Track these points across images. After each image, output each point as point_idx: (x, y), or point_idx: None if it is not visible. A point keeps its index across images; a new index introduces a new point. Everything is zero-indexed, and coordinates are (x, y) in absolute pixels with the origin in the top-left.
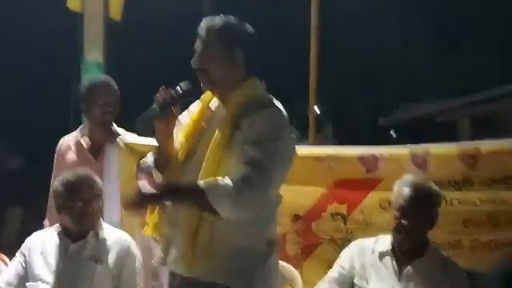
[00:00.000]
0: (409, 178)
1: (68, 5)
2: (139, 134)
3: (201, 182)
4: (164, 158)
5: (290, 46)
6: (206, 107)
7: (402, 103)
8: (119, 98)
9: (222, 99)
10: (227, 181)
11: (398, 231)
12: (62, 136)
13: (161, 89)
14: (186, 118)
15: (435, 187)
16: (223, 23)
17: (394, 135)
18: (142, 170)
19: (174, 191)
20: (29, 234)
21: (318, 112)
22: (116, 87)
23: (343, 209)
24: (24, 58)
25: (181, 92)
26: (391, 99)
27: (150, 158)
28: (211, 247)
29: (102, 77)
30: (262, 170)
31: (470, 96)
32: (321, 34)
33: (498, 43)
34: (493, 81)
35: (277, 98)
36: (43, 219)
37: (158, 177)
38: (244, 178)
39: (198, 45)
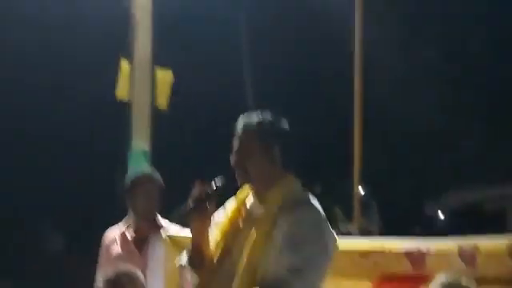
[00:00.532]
0: (443, 277)
1: (117, 95)
2: (183, 225)
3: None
4: (199, 256)
5: (333, 125)
6: (242, 205)
7: (450, 190)
8: (163, 190)
9: (259, 196)
10: None
11: None
12: (105, 225)
13: (196, 184)
14: (222, 216)
15: (469, 283)
16: (260, 121)
17: (441, 217)
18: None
19: None
20: None
21: (363, 193)
22: (159, 180)
23: None
24: (73, 146)
25: (215, 188)
26: (439, 184)
27: (184, 256)
28: None
29: (146, 170)
30: (300, 278)
31: None
32: (363, 113)
33: None
34: None
35: (320, 181)
36: None
37: (193, 277)
38: (276, 278)
39: (235, 142)
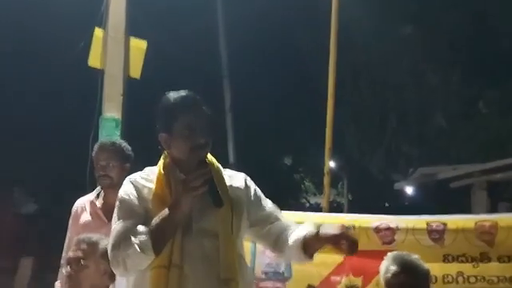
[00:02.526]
0: (397, 253)
1: (89, 63)
2: None
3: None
4: (170, 237)
5: (307, 99)
6: (168, 177)
7: (419, 166)
8: (124, 159)
9: (185, 168)
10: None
11: None
12: (77, 192)
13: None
14: (150, 189)
15: (423, 264)
16: (199, 99)
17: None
18: None
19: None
20: (40, 285)
21: (333, 166)
22: (114, 150)
23: (358, 281)
24: (44, 109)
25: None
26: (408, 160)
27: (143, 237)
28: None
29: (102, 140)
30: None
31: (488, 162)
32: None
33: None
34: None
35: (294, 151)
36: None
37: (150, 255)
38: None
39: (199, 120)
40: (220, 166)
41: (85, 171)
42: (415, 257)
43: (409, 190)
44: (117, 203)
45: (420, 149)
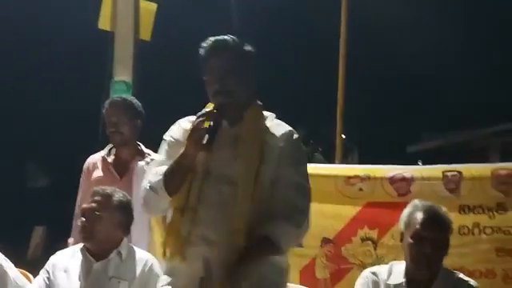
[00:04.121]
0: (419, 202)
1: (99, 25)
2: None
3: (268, 234)
4: (182, 178)
5: (318, 71)
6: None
7: (430, 131)
8: (135, 116)
9: (230, 118)
10: (286, 223)
11: (416, 260)
12: (89, 155)
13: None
14: (180, 134)
15: (447, 212)
16: (237, 44)
17: (421, 164)
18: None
19: (250, 257)
20: (53, 252)
21: (344, 137)
22: (124, 106)
23: (374, 233)
24: (53, 74)
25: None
26: (420, 126)
27: (157, 180)
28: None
29: (112, 98)
30: (306, 195)
31: (501, 124)
32: (347, 58)
33: None
34: None
35: (303, 123)
36: (68, 237)
37: (164, 199)
38: (299, 209)
39: (214, 65)
40: (267, 114)
41: (97, 136)
42: (444, 210)
43: (421, 153)
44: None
45: (433, 113)
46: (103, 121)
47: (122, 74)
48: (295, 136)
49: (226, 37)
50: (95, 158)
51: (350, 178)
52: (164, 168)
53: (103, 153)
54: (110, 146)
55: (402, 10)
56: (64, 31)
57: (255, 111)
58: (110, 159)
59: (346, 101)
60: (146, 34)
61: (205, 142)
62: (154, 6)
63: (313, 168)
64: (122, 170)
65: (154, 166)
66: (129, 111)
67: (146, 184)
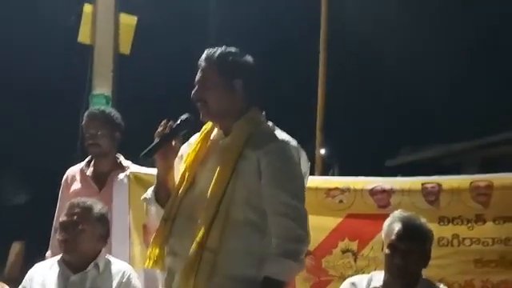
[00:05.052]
0: (399, 213)
1: (79, 38)
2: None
3: (270, 275)
4: (165, 190)
5: (298, 86)
6: (206, 137)
7: (408, 145)
8: (114, 128)
9: (224, 129)
10: (285, 260)
11: (390, 270)
12: (68, 168)
13: (162, 122)
14: (187, 150)
15: (426, 223)
16: (222, 53)
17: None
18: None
19: None
20: (31, 267)
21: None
22: (104, 119)
23: (354, 245)
24: (32, 87)
25: (179, 122)
26: (399, 140)
27: (150, 190)
28: (213, 277)
29: (91, 109)
30: (302, 218)
31: (479, 139)
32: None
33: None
34: (504, 123)
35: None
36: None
37: (158, 211)
38: (298, 239)
39: (198, 75)
40: (264, 125)
41: (75, 149)
42: (422, 221)
43: (400, 167)
44: None
45: (412, 127)
46: (82, 133)
47: (102, 87)
48: (283, 150)
49: (216, 49)
50: (74, 171)
51: (330, 190)
52: None
53: (82, 165)
54: (88, 158)
55: (383, 30)
56: (43, 44)
57: (245, 122)
58: (89, 171)
59: (325, 115)
60: (125, 47)
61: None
62: (133, 20)
63: None
64: (101, 182)
65: None
66: (107, 123)
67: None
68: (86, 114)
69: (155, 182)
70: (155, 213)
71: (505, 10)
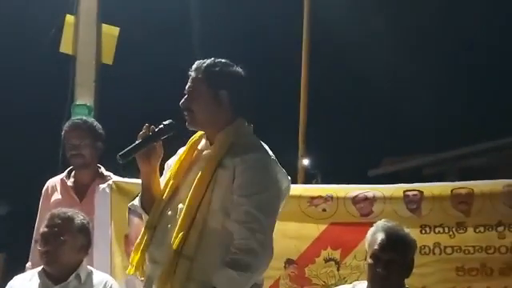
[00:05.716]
0: (382, 223)
1: (61, 48)
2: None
3: (217, 284)
4: (149, 196)
5: (280, 97)
6: (192, 147)
7: (390, 155)
8: (96, 138)
9: (209, 139)
10: (230, 271)
11: (373, 280)
12: (49, 179)
13: (145, 125)
14: (175, 160)
15: (409, 234)
16: (210, 64)
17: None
18: (132, 211)
19: None
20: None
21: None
22: (87, 129)
23: (337, 254)
24: (13, 97)
25: (161, 126)
26: (381, 150)
27: (137, 199)
28: (188, 286)
29: (73, 120)
30: (257, 230)
31: (459, 149)
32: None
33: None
34: (482, 134)
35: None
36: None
37: (144, 217)
38: (247, 249)
39: (187, 85)
40: (246, 137)
41: (57, 161)
42: (406, 231)
43: (382, 177)
44: None
45: (394, 137)
46: (63, 144)
47: (84, 97)
48: (260, 161)
49: (206, 60)
50: (54, 181)
51: (313, 198)
52: None
53: (62, 176)
54: (69, 168)
55: (367, 42)
56: (25, 54)
57: (227, 133)
58: (70, 182)
59: (308, 126)
60: (108, 57)
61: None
62: (116, 31)
63: None
64: (82, 192)
65: None
66: (90, 133)
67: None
68: (67, 124)
69: (140, 188)
70: (140, 220)
71: (483, 28)
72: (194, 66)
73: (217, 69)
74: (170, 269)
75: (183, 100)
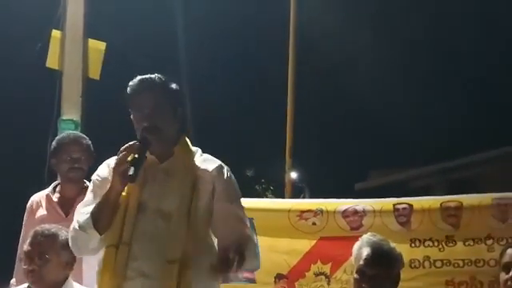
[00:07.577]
0: (367, 237)
1: (47, 63)
2: None
3: (246, 238)
4: (109, 214)
5: (267, 112)
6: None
7: (377, 168)
8: (91, 155)
9: (161, 155)
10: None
11: None
12: (34, 193)
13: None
14: (106, 172)
15: (395, 248)
16: (167, 82)
17: None
18: None
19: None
20: None
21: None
22: (86, 144)
23: (327, 268)
24: (1, 113)
25: (141, 141)
26: (368, 164)
27: (85, 219)
28: None
29: (72, 133)
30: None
31: (446, 162)
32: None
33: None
34: (470, 147)
35: (252, 163)
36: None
37: (92, 233)
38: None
39: (146, 102)
40: (194, 150)
41: (42, 176)
42: (391, 246)
43: (369, 190)
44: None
45: (381, 151)
46: (50, 159)
47: (70, 112)
48: (226, 169)
49: (152, 75)
50: (39, 196)
51: (303, 212)
52: (89, 208)
53: (47, 191)
54: (55, 183)
55: (353, 56)
56: (11, 69)
57: (184, 146)
58: (55, 197)
59: (294, 140)
60: (94, 72)
61: (130, 173)
62: (102, 45)
63: (266, 203)
64: (68, 207)
65: (81, 207)
66: (89, 149)
67: (74, 224)
68: (65, 137)
69: (98, 208)
70: (85, 241)
71: (471, 41)
72: (147, 84)
73: (173, 86)
74: (170, 281)
75: (148, 118)
